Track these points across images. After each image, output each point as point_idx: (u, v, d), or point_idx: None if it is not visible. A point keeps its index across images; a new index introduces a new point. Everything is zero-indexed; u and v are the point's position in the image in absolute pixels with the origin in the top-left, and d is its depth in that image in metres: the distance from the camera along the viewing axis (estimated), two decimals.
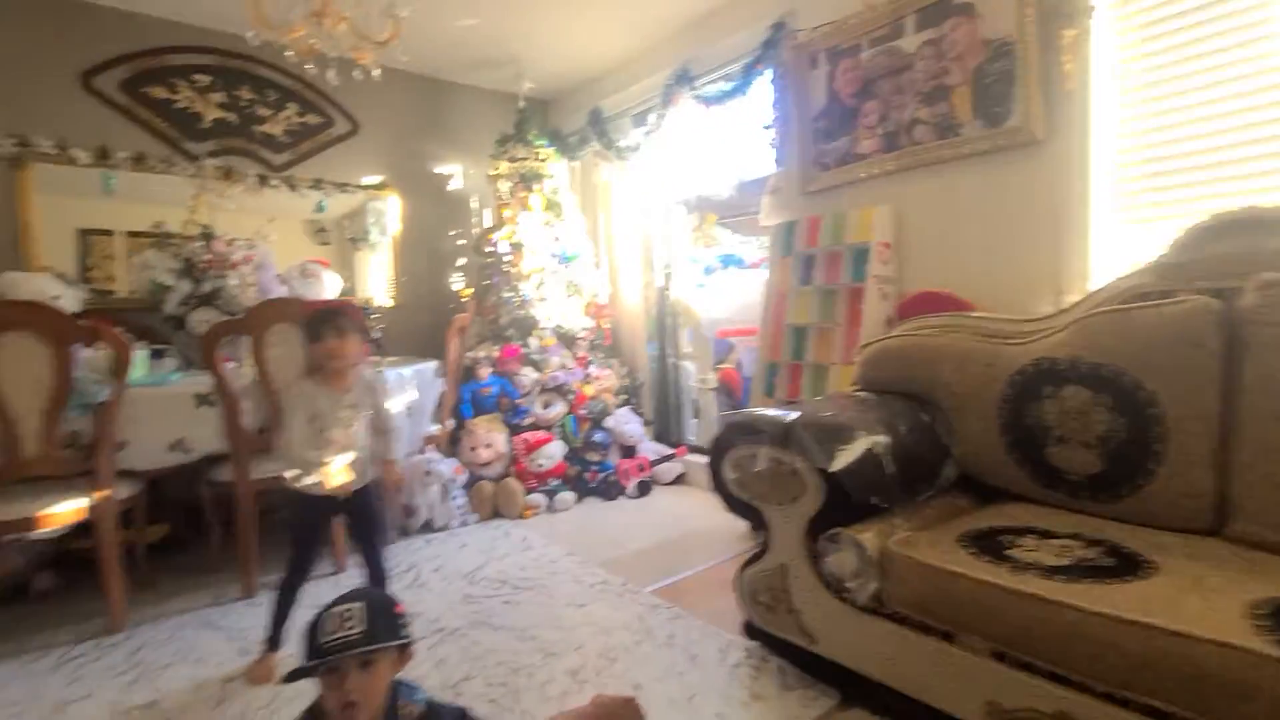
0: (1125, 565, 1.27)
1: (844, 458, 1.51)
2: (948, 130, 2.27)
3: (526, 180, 3.53)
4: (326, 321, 1.74)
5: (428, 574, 2.37)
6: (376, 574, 1.87)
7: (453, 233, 3.91)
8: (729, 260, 4.54)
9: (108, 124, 2.90)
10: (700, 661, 1.74)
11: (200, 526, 2.67)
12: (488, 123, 3.86)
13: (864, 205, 2.50)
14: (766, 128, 2.90)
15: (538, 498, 3.08)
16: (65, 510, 1.88)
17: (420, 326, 3.65)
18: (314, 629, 1.02)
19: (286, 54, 2.15)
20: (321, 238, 3.55)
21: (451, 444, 3.08)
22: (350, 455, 1.77)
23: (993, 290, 2.19)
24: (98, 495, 1.92)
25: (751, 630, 1.78)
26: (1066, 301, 1.93)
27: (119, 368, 1.93)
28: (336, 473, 1.75)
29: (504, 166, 3.55)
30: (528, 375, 3.32)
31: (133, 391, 2.03)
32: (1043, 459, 1.66)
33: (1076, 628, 1.12)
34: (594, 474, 3.31)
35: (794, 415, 1.63)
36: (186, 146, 3.08)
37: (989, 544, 1.40)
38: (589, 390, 3.45)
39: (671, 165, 3.73)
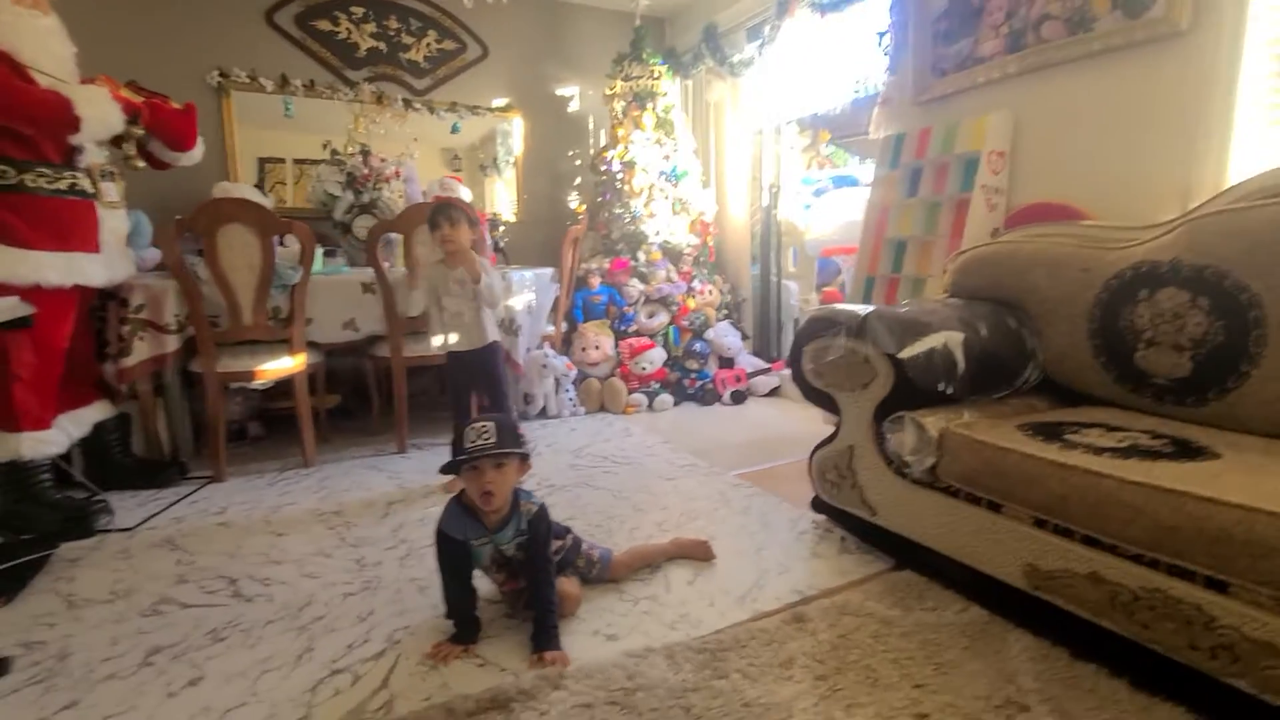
0: (1183, 452, 1.31)
1: (914, 348, 1.62)
2: (1079, 25, 2.12)
3: (640, 99, 3.66)
4: (440, 212, 2.11)
5: (542, 448, 2.75)
6: None
7: (571, 153, 4.16)
8: (842, 181, 4.45)
9: (286, 55, 3.37)
10: (771, 527, 1.96)
11: (362, 399, 3.25)
12: (605, 44, 3.99)
13: (979, 113, 2.42)
14: (881, 34, 2.81)
15: (639, 397, 3.38)
16: (274, 368, 2.41)
17: (540, 240, 3.98)
18: (459, 438, 1.35)
19: None
20: (455, 165, 3.91)
21: (564, 344, 3.43)
22: (462, 320, 2.16)
23: (1114, 200, 2.09)
24: (295, 358, 2.43)
25: (819, 504, 1.97)
26: None
27: (306, 256, 2.38)
28: (453, 334, 2.18)
29: (619, 86, 3.69)
30: (635, 286, 3.56)
31: (315, 279, 2.50)
32: (1130, 363, 1.66)
33: (1112, 495, 1.21)
34: (692, 381, 3.55)
35: (869, 309, 1.74)
36: (347, 74, 3.51)
37: (1049, 430, 1.48)
38: (692, 303, 3.65)
39: (784, 81, 3.70)
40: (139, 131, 2.00)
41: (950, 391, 1.64)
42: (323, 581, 1.66)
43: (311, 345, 2.58)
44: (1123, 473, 1.22)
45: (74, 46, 1.99)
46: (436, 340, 2.21)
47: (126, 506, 2.15)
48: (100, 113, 1.86)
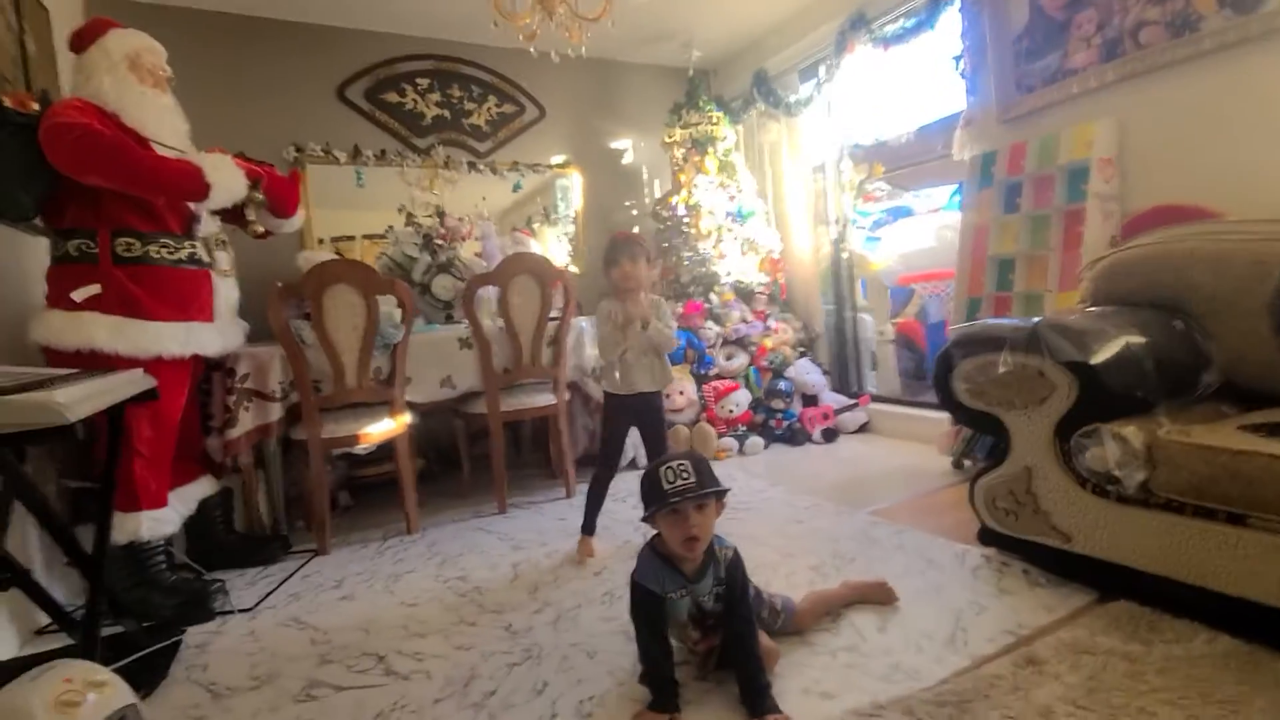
0: None
1: (1104, 352, 1.51)
2: (1184, 27, 2.10)
3: (700, 144, 3.69)
4: (621, 248, 2.02)
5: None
6: None
7: (627, 203, 4.19)
8: (898, 212, 4.43)
9: (357, 128, 3.45)
10: (937, 564, 1.80)
11: (449, 462, 3.15)
12: (656, 97, 4.07)
13: (1078, 122, 2.38)
14: (956, 59, 2.82)
15: (729, 441, 3.25)
16: (377, 430, 2.33)
17: (603, 290, 3.93)
18: (655, 480, 1.24)
19: (519, 39, 2.46)
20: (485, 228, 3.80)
21: None
22: (644, 360, 2.03)
23: (1248, 196, 2.00)
24: (396, 418, 2.35)
25: (988, 536, 1.81)
26: None
27: (407, 314, 2.34)
28: (636, 377, 2.03)
29: (678, 133, 3.73)
30: (710, 329, 3.49)
31: (413, 337, 2.45)
32: None
33: None
34: (779, 421, 3.43)
35: (1036, 320, 1.64)
36: (414, 142, 3.57)
37: (1273, 428, 1.35)
38: (769, 342, 3.56)
39: (843, 116, 3.73)
40: (259, 197, 1.99)
41: (1147, 397, 1.51)
42: (478, 652, 1.52)
43: (409, 406, 2.50)
44: None
45: (187, 123, 2.01)
46: (617, 381, 2.05)
47: (236, 586, 2.03)
48: (227, 178, 1.86)
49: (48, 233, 1.81)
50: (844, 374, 3.84)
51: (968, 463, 2.67)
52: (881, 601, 1.59)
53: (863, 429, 3.51)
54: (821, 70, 3.44)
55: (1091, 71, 2.35)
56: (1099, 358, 1.50)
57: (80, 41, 1.85)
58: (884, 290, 3.87)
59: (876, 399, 3.60)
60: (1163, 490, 1.41)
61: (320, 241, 3.39)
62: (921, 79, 3.15)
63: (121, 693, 1.05)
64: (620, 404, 2.07)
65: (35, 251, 1.94)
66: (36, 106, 1.70)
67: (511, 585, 1.89)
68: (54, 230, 1.78)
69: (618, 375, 2.05)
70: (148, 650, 1.54)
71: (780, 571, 1.83)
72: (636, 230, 4.17)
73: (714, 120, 3.69)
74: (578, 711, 1.27)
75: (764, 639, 1.35)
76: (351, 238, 3.48)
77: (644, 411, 2.07)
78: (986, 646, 1.38)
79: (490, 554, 2.16)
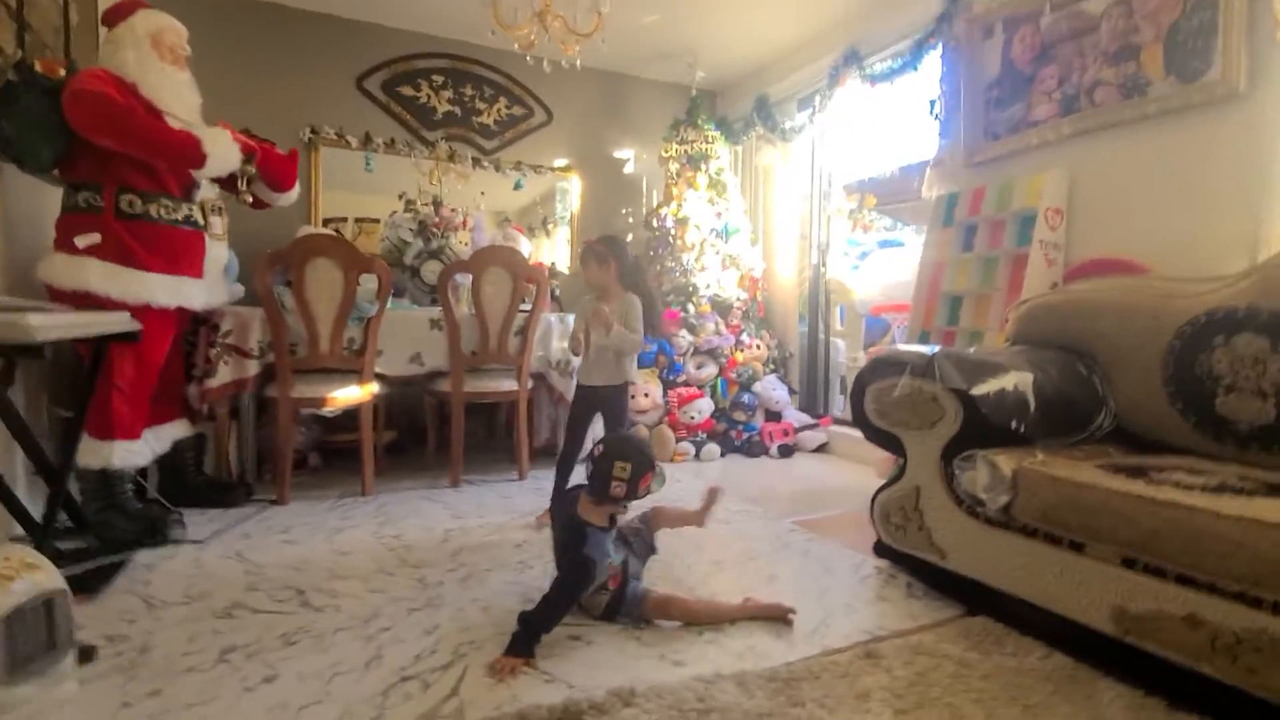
0: (1275, 492, 1.27)
1: (986, 385, 1.63)
2: (1134, 90, 2.21)
3: (694, 161, 3.85)
4: (582, 255, 2.24)
5: None
6: None
7: (624, 210, 4.36)
8: (887, 244, 4.53)
9: (371, 116, 3.67)
10: (833, 571, 1.92)
11: (415, 436, 3.33)
12: (660, 111, 4.24)
13: (1034, 172, 2.49)
14: (933, 102, 2.95)
15: (686, 446, 3.38)
16: (344, 395, 2.51)
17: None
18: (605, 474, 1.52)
19: (514, 47, 2.64)
20: (504, 228, 4.02)
21: None
22: (604, 356, 2.18)
23: (1177, 256, 2.10)
24: (363, 388, 2.53)
25: (881, 549, 1.92)
26: None
27: (383, 292, 2.52)
28: (594, 371, 2.20)
29: (674, 149, 3.90)
30: (684, 338, 3.63)
31: (386, 314, 2.63)
32: (1210, 409, 1.64)
33: (1208, 529, 1.18)
34: (739, 433, 3.55)
35: (936, 349, 1.76)
36: (424, 134, 3.79)
37: (1130, 469, 1.45)
38: (739, 356, 3.69)
39: (834, 147, 3.87)
40: (252, 170, 2.19)
41: (1022, 430, 1.62)
42: (387, 597, 1.68)
43: (378, 378, 2.68)
44: (1218, 506, 1.19)
45: (200, 98, 2.22)
46: (580, 373, 2.27)
47: (196, 522, 2.21)
48: (222, 150, 2.06)
49: (61, 184, 2.02)
50: (812, 395, 3.94)
51: None
52: (780, 618, 1.58)
53: (821, 449, 3.61)
54: (816, 100, 3.58)
55: (1050, 125, 2.46)
56: (980, 389, 1.61)
57: (113, 17, 2.07)
58: (860, 319, 3.98)
59: (839, 421, 3.70)
60: (1020, 515, 1.52)
61: (326, 222, 3.61)
62: (906, 119, 3.27)
63: (53, 578, 1.22)
64: (580, 394, 2.26)
65: (50, 201, 2.16)
66: (63, 73, 1.91)
67: (439, 547, 2.05)
68: (66, 183, 2.00)
69: (579, 367, 2.24)
70: (99, 564, 1.72)
71: (685, 561, 1.96)
72: (630, 238, 4.34)
73: (709, 139, 3.85)
74: (455, 651, 1.42)
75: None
76: (359, 220, 3.70)
77: (602, 403, 2.23)
78: (839, 641, 1.50)
79: (430, 519, 2.32)
